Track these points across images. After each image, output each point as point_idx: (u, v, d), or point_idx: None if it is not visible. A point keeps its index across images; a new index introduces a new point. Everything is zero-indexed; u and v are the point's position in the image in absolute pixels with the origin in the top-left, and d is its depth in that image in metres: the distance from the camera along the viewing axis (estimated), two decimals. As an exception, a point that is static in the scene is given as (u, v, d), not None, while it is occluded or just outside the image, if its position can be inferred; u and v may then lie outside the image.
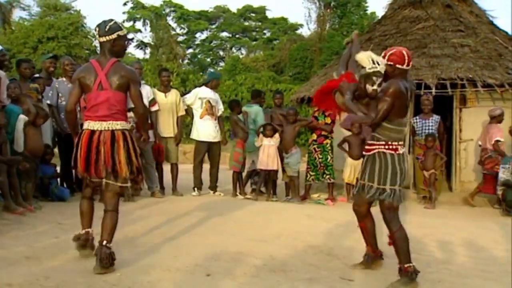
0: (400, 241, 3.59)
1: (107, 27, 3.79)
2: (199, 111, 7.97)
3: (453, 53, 9.21)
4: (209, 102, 7.99)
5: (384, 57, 3.75)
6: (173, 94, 7.95)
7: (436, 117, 8.26)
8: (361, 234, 4.06)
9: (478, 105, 8.76)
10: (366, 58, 3.71)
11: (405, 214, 3.82)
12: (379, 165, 3.64)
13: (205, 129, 7.96)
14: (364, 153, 3.84)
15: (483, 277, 3.87)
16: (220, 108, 8.22)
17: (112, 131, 3.72)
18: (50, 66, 7.26)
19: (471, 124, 8.80)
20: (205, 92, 8.10)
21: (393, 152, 3.62)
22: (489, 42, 9.57)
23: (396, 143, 3.64)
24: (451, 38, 9.64)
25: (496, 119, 8.05)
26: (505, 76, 8.58)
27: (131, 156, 3.75)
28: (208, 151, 8.15)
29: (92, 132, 3.77)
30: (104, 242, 3.56)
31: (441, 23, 10.06)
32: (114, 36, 3.80)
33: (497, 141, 7.91)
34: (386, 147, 3.64)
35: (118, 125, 3.75)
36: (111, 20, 3.87)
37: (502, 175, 7.49)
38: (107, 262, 3.49)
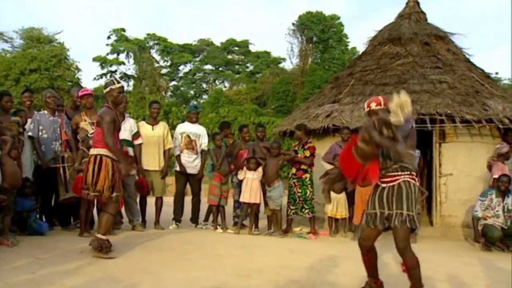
0: (415, 268, 3.74)
1: (104, 83, 5.22)
2: (180, 145, 8.04)
3: (432, 89, 9.40)
4: (188, 136, 8.02)
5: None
6: (161, 127, 7.93)
7: (417, 152, 8.36)
8: (342, 269, 4.07)
9: (457, 140, 8.91)
10: (398, 107, 3.64)
11: (386, 247, 3.82)
12: (406, 193, 3.76)
13: (184, 161, 7.98)
14: (383, 185, 3.86)
15: (464, 313, 3.87)
16: (204, 142, 8.22)
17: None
18: (26, 100, 7.19)
19: (451, 158, 8.92)
20: (184, 127, 8.22)
21: (415, 181, 3.83)
22: (466, 79, 9.80)
23: (415, 172, 3.86)
24: (429, 74, 9.85)
25: (504, 156, 8.16)
26: (482, 112, 8.76)
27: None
28: (190, 183, 8.14)
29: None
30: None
31: (420, 59, 10.29)
32: (107, 89, 5.28)
33: (495, 179, 8.05)
34: (411, 176, 3.81)
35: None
36: (111, 77, 5.40)
37: (478, 208, 7.57)
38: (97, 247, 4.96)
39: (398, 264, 4.12)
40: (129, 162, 6.30)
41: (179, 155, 8.04)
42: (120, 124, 5.48)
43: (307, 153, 8.14)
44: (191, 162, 8.03)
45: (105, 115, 5.18)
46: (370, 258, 4.01)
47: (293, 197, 8.15)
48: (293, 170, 8.24)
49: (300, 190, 8.08)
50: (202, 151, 8.19)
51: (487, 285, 4.95)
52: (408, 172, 3.79)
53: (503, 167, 8.03)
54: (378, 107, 3.90)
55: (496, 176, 8.04)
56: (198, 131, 8.24)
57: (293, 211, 8.14)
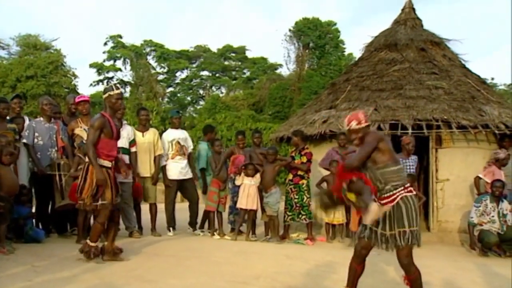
0: (418, 279, 3.85)
1: (103, 89, 5.27)
2: (171, 152, 8.03)
3: (428, 95, 9.42)
4: (178, 143, 8.05)
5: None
6: (151, 133, 7.91)
7: (414, 157, 8.36)
8: (339, 275, 4.08)
9: (453, 145, 8.93)
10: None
11: (384, 254, 3.83)
12: (405, 209, 3.82)
13: (174, 168, 7.97)
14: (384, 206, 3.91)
15: (461, 318, 3.87)
16: (190, 146, 8.28)
17: None
18: (16, 107, 6.99)
19: (447, 164, 8.94)
20: (171, 134, 8.18)
21: (411, 192, 3.88)
22: (462, 84, 9.83)
23: (408, 183, 3.93)
24: (425, 80, 9.88)
25: (500, 162, 8.20)
26: (478, 118, 8.78)
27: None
28: (183, 190, 8.13)
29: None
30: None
31: (416, 65, 10.32)
32: (105, 95, 5.33)
33: (478, 177, 8.12)
34: (406, 190, 3.86)
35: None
36: (110, 83, 5.08)
37: (473, 214, 7.59)
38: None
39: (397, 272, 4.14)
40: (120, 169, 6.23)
41: (165, 165, 8.00)
42: (117, 131, 5.45)
43: (304, 159, 8.13)
44: (182, 169, 8.01)
45: (94, 121, 5.26)
46: (360, 269, 4.06)
47: (290, 203, 8.14)
48: (290, 176, 8.24)
49: (297, 196, 8.08)
50: (189, 154, 8.22)
51: (484, 290, 4.96)
52: (402, 188, 3.84)
53: (496, 171, 8.07)
54: (358, 126, 3.96)
55: (480, 176, 8.10)
56: (183, 136, 8.29)
57: (290, 217, 8.14)
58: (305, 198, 8.06)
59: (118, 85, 5.54)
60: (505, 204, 7.54)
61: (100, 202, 5.17)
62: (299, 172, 8.14)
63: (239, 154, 8.38)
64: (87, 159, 5.29)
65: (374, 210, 3.77)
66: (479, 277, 5.60)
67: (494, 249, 7.49)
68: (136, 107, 27.99)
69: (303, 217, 8.06)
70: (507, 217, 7.50)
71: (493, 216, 7.47)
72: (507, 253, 7.45)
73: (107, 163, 5.31)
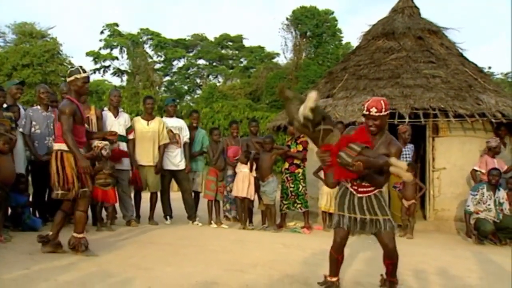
0: (397, 264, 4.00)
1: (68, 71, 4.98)
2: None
3: (425, 84, 9.42)
4: (171, 131, 7.97)
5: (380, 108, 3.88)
6: (156, 122, 7.82)
7: (410, 146, 8.39)
8: None
9: (450, 134, 8.95)
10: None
11: (378, 243, 3.85)
12: (383, 200, 3.99)
13: (167, 158, 7.91)
14: (359, 194, 3.99)
15: (457, 305, 3.90)
16: (185, 135, 8.16)
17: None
18: (17, 92, 6.98)
19: (444, 153, 8.97)
20: (165, 122, 8.07)
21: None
22: (459, 73, 9.83)
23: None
24: (423, 69, 9.87)
25: (492, 151, 8.24)
26: (475, 106, 8.79)
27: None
28: (176, 180, 8.12)
29: None
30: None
31: (413, 54, 10.31)
32: (71, 78, 5.01)
33: (474, 170, 8.16)
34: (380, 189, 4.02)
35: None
36: (77, 66, 5.12)
37: (469, 203, 7.62)
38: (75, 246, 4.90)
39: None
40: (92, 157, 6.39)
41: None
42: (84, 116, 5.25)
43: (300, 148, 8.14)
44: (173, 158, 7.94)
45: (63, 108, 4.90)
46: (342, 257, 4.13)
47: (285, 192, 8.16)
48: (286, 165, 8.24)
49: (292, 185, 8.09)
50: (185, 143, 8.13)
51: (480, 277, 4.99)
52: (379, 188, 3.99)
53: (489, 160, 8.11)
54: (377, 114, 3.84)
55: (476, 168, 8.16)
56: (178, 124, 8.19)
57: (285, 206, 8.16)
58: (301, 187, 8.07)
59: (84, 67, 5.15)
60: (501, 193, 7.58)
61: (81, 190, 4.91)
62: (295, 161, 8.14)
63: (232, 144, 8.35)
64: (56, 147, 4.95)
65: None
66: (474, 265, 5.64)
67: (490, 237, 7.53)
68: (133, 96, 27.96)
69: (299, 206, 8.08)
70: (503, 205, 7.53)
71: (489, 205, 7.50)
72: (503, 241, 7.49)
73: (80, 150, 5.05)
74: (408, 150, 8.33)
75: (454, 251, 6.59)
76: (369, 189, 3.94)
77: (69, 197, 4.93)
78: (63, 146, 4.87)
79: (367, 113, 3.87)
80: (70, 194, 4.89)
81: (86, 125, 5.92)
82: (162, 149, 7.80)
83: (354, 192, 3.98)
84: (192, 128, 8.43)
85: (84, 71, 5.09)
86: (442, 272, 5.09)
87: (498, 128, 8.82)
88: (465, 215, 7.72)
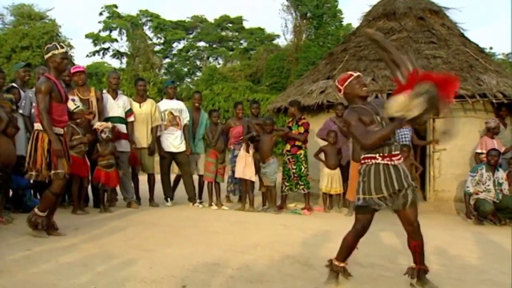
0: (423, 246, 3.73)
1: (45, 48, 4.89)
2: (163, 123, 7.98)
3: (426, 65, 9.36)
4: (171, 113, 7.97)
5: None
6: (149, 104, 7.85)
7: (409, 127, 8.36)
8: (336, 244, 4.03)
9: (450, 115, 8.91)
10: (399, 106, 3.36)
11: (378, 223, 3.83)
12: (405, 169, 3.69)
13: (167, 140, 7.93)
14: (390, 162, 3.59)
15: (455, 285, 3.92)
16: (185, 117, 8.14)
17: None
18: (25, 75, 7.01)
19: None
20: (164, 104, 8.11)
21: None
22: (460, 54, 9.77)
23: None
24: (424, 49, 9.82)
25: (491, 131, 8.24)
26: (476, 87, 8.76)
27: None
28: (176, 162, 8.13)
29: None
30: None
31: (414, 35, 10.24)
32: (49, 54, 4.87)
33: (477, 153, 8.18)
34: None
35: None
36: (54, 42, 5.03)
37: (469, 184, 7.63)
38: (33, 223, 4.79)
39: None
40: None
41: (159, 136, 7.93)
42: (65, 94, 5.05)
43: (301, 129, 8.12)
44: (173, 140, 7.94)
45: (39, 86, 4.79)
46: (356, 244, 3.76)
47: (287, 174, 8.17)
48: (288, 147, 8.23)
49: (294, 167, 8.10)
50: (185, 125, 8.12)
51: (479, 257, 5.02)
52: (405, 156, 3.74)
53: (488, 141, 8.12)
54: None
55: (478, 151, 8.17)
56: (179, 107, 8.18)
57: (287, 187, 8.18)
58: (303, 168, 8.08)
59: (62, 43, 5.03)
60: (500, 173, 7.59)
61: (53, 171, 4.79)
62: (297, 143, 8.14)
63: (236, 125, 8.35)
64: (35, 127, 4.88)
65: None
66: (474, 245, 5.67)
67: (490, 217, 7.56)
68: (133, 78, 27.80)
69: (301, 187, 8.10)
70: (502, 186, 7.55)
71: (488, 185, 7.51)
72: (502, 222, 7.53)
73: (59, 130, 4.93)
74: (407, 130, 8.30)
75: (454, 232, 6.61)
76: (399, 157, 3.64)
77: (40, 179, 4.86)
78: (40, 126, 4.81)
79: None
80: (41, 176, 4.81)
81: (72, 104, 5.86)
82: (155, 131, 7.82)
83: (389, 163, 3.58)
84: (195, 109, 8.41)
85: (62, 47, 4.97)
86: (441, 252, 5.11)
87: (499, 108, 8.80)
88: (465, 196, 7.74)
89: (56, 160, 4.79)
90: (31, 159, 4.80)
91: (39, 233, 4.86)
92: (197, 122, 8.31)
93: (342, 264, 3.76)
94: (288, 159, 8.17)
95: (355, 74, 3.71)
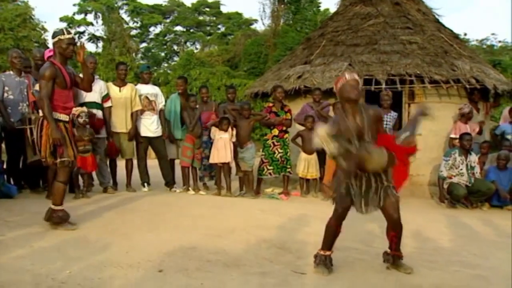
0: (401, 234, 3.78)
1: (52, 32, 4.79)
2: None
3: (402, 50, 9.46)
4: (146, 98, 7.92)
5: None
6: (128, 88, 7.74)
7: (394, 114, 8.29)
8: (312, 228, 4.07)
9: (425, 100, 9.04)
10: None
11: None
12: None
13: (144, 125, 7.87)
14: None
15: (428, 266, 4.01)
16: (161, 102, 8.11)
17: None
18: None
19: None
20: (140, 89, 7.99)
21: None
22: (435, 39, 9.88)
23: None
24: (400, 35, 9.89)
25: (465, 116, 8.36)
26: (450, 72, 8.88)
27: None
28: (152, 147, 8.09)
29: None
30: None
31: (390, 20, 10.31)
32: (55, 39, 4.78)
33: (451, 138, 8.32)
34: None
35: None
36: (62, 28, 4.92)
37: (442, 168, 7.76)
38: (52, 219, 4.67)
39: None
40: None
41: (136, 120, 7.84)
42: (70, 79, 4.87)
43: (288, 116, 8.21)
44: (150, 125, 7.89)
45: (43, 71, 4.70)
46: (340, 230, 3.81)
47: (272, 158, 8.16)
48: (276, 132, 8.21)
49: (281, 150, 8.14)
50: (161, 110, 8.09)
51: (451, 239, 5.14)
52: None
53: (461, 126, 8.27)
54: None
55: (452, 136, 8.31)
56: (154, 91, 8.13)
57: (270, 171, 8.17)
58: (288, 151, 8.17)
59: (69, 29, 4.92)
60: (473, 157, 7.74)
61: (59, 159, 4.71)
62: (284, 128, 8.20)
63: (203, 110, 8.28)
64: (40, 113, 4.78)
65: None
66: (446, 228, 5.80)
67: (462, 201, 7.71)
68: (109, 63, 27.48)
69: (288, 170, 8.14)
70: (475, 169, 7.71)
71: (461, 169, 7.66)
72: (474, 205, 7.69)
73: (64, 117, 4.82)
74: (390, 117, 8.31)
75: (427, 215, 6.74)
76: None
77: (46, 165, 4.89)
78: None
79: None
80: (45, 162, 4.79)
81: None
82: (135, 116, 7.74)
83: None
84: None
85: (69, 32, 4.85)
86: (415, 235, 5.21)
87: (472, 93, 8.94)
88: (438, 180, 7.88)
89: (61, 148, 4.71)
90: (36, 146, 4.83)
91: (67, 226, 4.73)
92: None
93: (327, 252, 3.79)
94: (273, 142, 8.17)
95: (349, 78, 3.69)
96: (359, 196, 3.69)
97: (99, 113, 7.35)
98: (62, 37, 4.77)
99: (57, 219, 4.70)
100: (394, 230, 3.78)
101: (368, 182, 3.68)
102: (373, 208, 3.73)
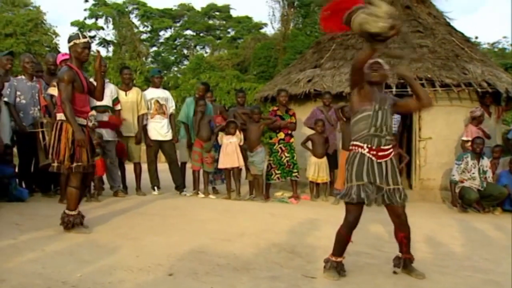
0: (410, 235, 3.77)
1: (68, 36, 4.83)
2: (150, 112, 7.95)
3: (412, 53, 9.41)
4: (157, 101, 7.96)
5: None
6: (134, 92, 7.83)
7: (397, 116, 8.36)
8: (322, 232, 4.05)
9: (436, 104, 8.97)
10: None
11: (366, 211, 3.85)
12: (396, 167, 3.70)
13: (154, 129, 7.91)
14: (378, 160, 3.60)
15: (440, 271, 3.97)
16: (171, 106, 8.18)
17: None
18: (7, 63, 6.86)
19: (430, 123, 9.01)
20: (150, 93, 8.08)
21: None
22: (446, 43, 9.82)
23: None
24: (410, 38, 9.84)
25: (477, 120, 8.32)
26: (461, 76, 8.82)
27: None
28: (162, 150, 8.12)
29: None
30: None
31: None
32: (71, 43, 4.82)
33: (464, 140, 8.27)
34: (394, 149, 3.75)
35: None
36: (77, 32, 4.72)
37: (455, 172, 7.70)
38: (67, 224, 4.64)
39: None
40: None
41: (145, 125, 7.89)
42: (87, 84, 4.93)
43: (293, 119, 8.19)
44: (160, 128, 7.93)
45: (62, 75, 4.73)
46: (350, 238, 3.73)
47: (279, 162, 8.15)
48: (282, 135, 8.20)
49: (288, 154, 8.12)
50: (171, 115, 8.14)
51: (462, 244, 5.09)
52: (394, 143, 3.77)
53: (473, 130, 8.21)
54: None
55: (464, 138, 8.26)
56: (165, 95, 8.20)
57: (278, 175, 8.16)
58: (295, 156, 8.13)
59: (85, 33, 5.01)
60: (485, 161, 7.67)
61: (75, 164, 4.70)
62: (289, 131, 8.18)
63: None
64: (58, 118, 4.80)
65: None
66: (458, 232, 5.75)
67: (474, 205, 7.65)
68: (119, 67, 27.58)
69: (295, 174, 8.12)
70: (487, 173, 7.64)
71: (473, 173, 7.59)
72: (486, 209, 7.63)
73: (82, 121, 4.84)
74: (395, 120, 8.33)
75: (439, 219, 6.69)
76: (388, 152, 3.64)
77: (62, 171, 4.77)
78: (64, 116, 4.69)
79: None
80: (62, 167, 4.70)
81: None
82: (141, 120, 7.80)
83: (374, 158, 3.59)
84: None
85: (84, 36, 4.90)
86: (427, 239, 5.17)
87: (483, 97, 8.88)
88: (450, 185, 7.82)
89: (79, 152, 4.71)
90: (53, 150, 4.71)
91: (79, 230, 4.74)
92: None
93: (339, 259, 3.74)
94: (281, 147, 8.15)
95: (372, 60, 3.65)
96: (373, 195, 3.61)
97: (105, 117, 7.41)
98: (77, 41, 4.80)
99: (68, 223, 4.70)
100: (402, 231, 3.76)
101: (383, 181, 3.62)
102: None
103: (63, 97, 4.66)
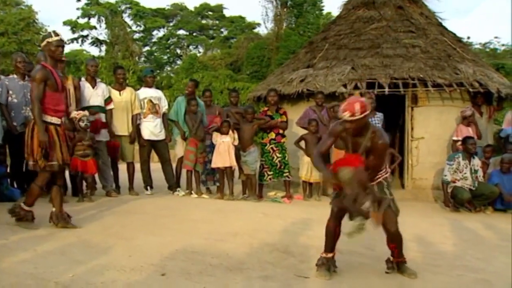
0: (402, 243, 3.84)
1: (41, 36, 4.83)
2: (143, 111, 7.93)
3: (404, 53, 9.45)
4: (150, 101, 7.95)
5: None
6: (128, 92, 7.83)
7: (379, 115, 8.21)
8: (314, 232, 4.07)
9: (428, 104, 9.03)
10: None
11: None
12: (386, 184, 3.87)
13: (147, 128, 7.91)
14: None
15: (431, 271, 4.00)
16: (164, 106, 8.18)
17: None
18: None
19: (422, 122, 9.05)
20: (144, 93, 8.08)
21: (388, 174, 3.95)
22: (438, 43, 9.87)
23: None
24: (403, 38, 9.88)
25: (467, 119, 8.36)
26: (453, 76, 8.86)
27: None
28: (155, 150, 8.10)
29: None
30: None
31: (393, 24, 10.30)
32: (44, 43, 4.80)
33: (454, 140, 8.31)
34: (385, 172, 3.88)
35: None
36: (50, 31, 4.89)
37: (446, 172, 7.74)
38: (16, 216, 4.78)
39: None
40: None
41: (138, 124, 7.89)
42: (61, 83, 4.91)
43: (284, 118, 8.16)
44: (153, 128, 7.94)
45: (34, 74, 4.73)
46: (339, 230, 3.81)
47: (271, 163, 8.14)
48: (273, 135, 8.19)
49: (279, 155, 8.10)
50: (164, 114, 8.13)
51: (454, 243, 5.12)
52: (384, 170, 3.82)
53: (463, 129, 8.25)
54: (351, 118, 3.52)
55: (454, 138, 8.29)
56: (157, 95, 8.21)
57: (270, 176, 8.15)
58: (287, 156, 8.12)
59: (57, 31, 4.87)
60: (476, 161, 7.71)
61: (48, 162, 4.72)
62: (280, 131, 8.17)
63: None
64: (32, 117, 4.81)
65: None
66: (450, 232, 5.78)
67: (465, 204, 7.68)
68: (112, 66, 27.48)
69: (286, 174, 8.11)
70: (478, 173, 7.68)
71: (465, 173, 7.63)
72: (477, 208, 7.67)
73: (56, 120, 4.82)
74: (377, 119, 8.23)
75: (431, 219, 6.72)
76: (376, 179, 3.80)
77: (36, 169, 4.77)
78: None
79: (342, 117, 3.59)
80: (37, 165, 4.72)
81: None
82: (135, 119, 7.80)
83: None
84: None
85: (57, 35, 4.82)
86: (418, 239, 5.19)
87: (475, 97, 8.93)
88: (443, 185, 7.85)
89: (51, 151, 4.72)
90: (27, 149, 4.73)
91: (26, 224, 4.81)
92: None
93: (329, 255, 3.79)
94: (272, 147, 8.15)
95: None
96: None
97: (102, 116, 7.41)
98: (50, 39, 4.78)
99: (18, 215, 4.83)
100: (393, 242, 3.81)
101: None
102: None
103: (32, 96, 4.68)
